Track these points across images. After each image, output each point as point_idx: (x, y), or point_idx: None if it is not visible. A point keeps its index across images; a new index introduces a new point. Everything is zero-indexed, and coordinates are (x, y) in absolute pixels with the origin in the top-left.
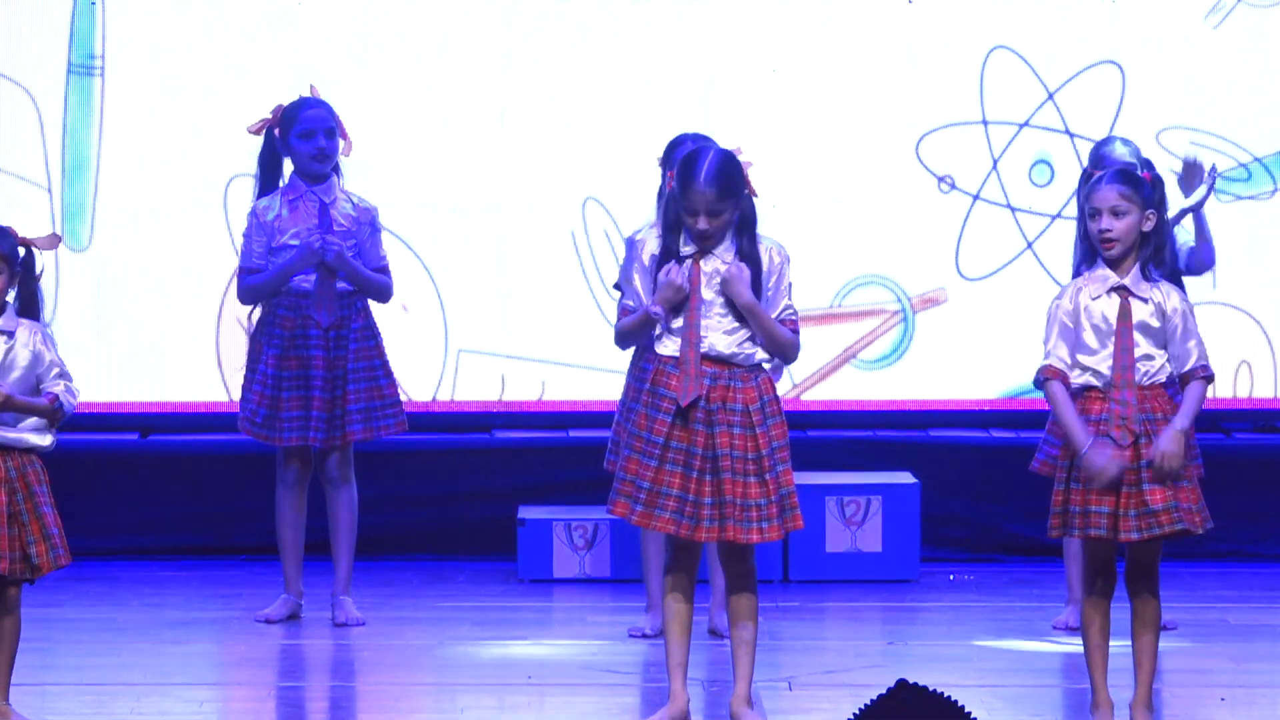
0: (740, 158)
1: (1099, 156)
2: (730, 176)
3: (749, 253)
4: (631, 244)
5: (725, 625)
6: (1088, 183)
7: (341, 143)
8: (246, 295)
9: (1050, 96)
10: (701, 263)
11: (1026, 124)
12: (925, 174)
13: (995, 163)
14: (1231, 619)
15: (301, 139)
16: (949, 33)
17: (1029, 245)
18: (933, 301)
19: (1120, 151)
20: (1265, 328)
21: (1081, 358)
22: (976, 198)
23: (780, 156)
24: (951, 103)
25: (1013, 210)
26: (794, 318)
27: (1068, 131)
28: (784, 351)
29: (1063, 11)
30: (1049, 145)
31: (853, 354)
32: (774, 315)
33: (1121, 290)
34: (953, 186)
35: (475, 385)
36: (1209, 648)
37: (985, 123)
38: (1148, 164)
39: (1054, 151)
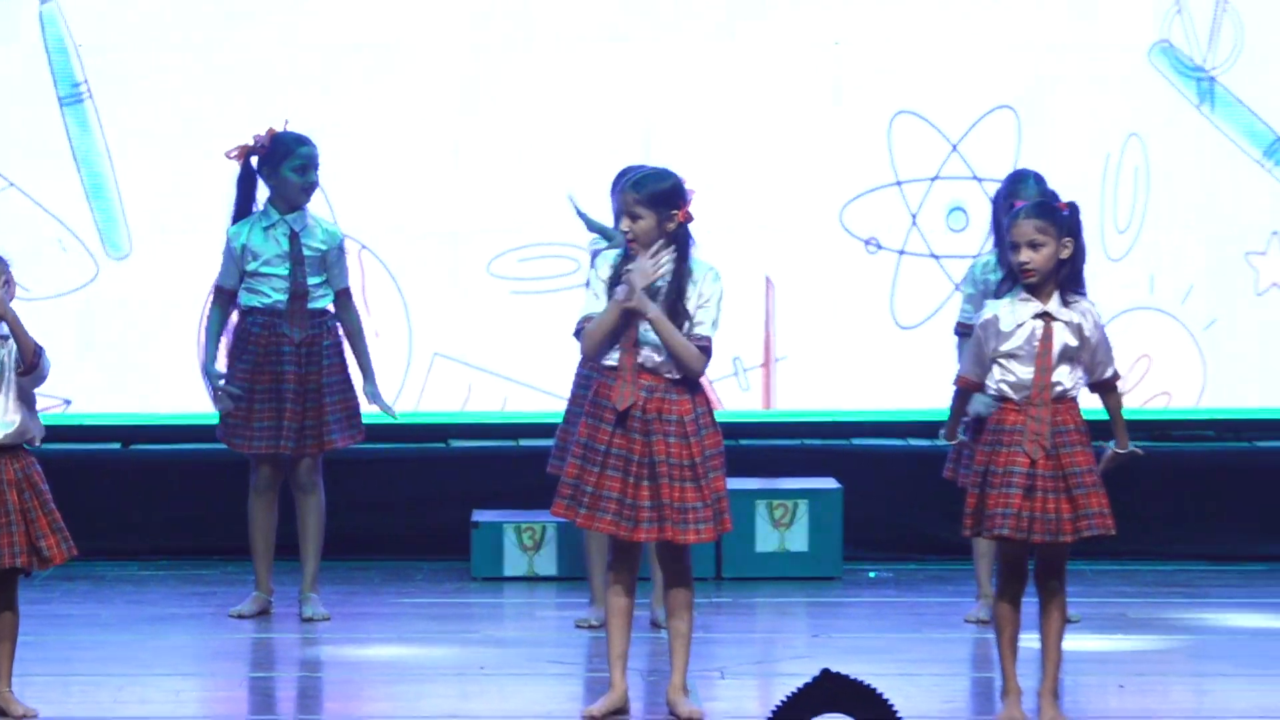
0: (686, 185)
1: (1011, 190)
2: (657, 187)
3: (679, 272)
4: (594, 254)
5: (664, 618)
6: (1008, 212)
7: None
8: (210, 316)
9: (954, 147)
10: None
11: (936, 177)
12: (851, 239)
13: (914, 217)
14: (1130, 613)
15: (297, 172)
16: (857, 100)
17: (957, 287)
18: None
19: (1028, 190)
20: (1198, 339)
21: (1003, 374)
22: (901, 253)
23: (719, 183)
24: (868, 167)
25: (936, 258)
26: (707, 337)
27: (975, 177)
28: (687, 366)
29: (959, 64)
30: (959, 193)
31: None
32: (699, 328)
33: (1045, 316)
34: (879, 246)
35: (436, 398)
36: (1109, 639)
37: (899, 183)
38: (1053, 195)
39: (964, 197)
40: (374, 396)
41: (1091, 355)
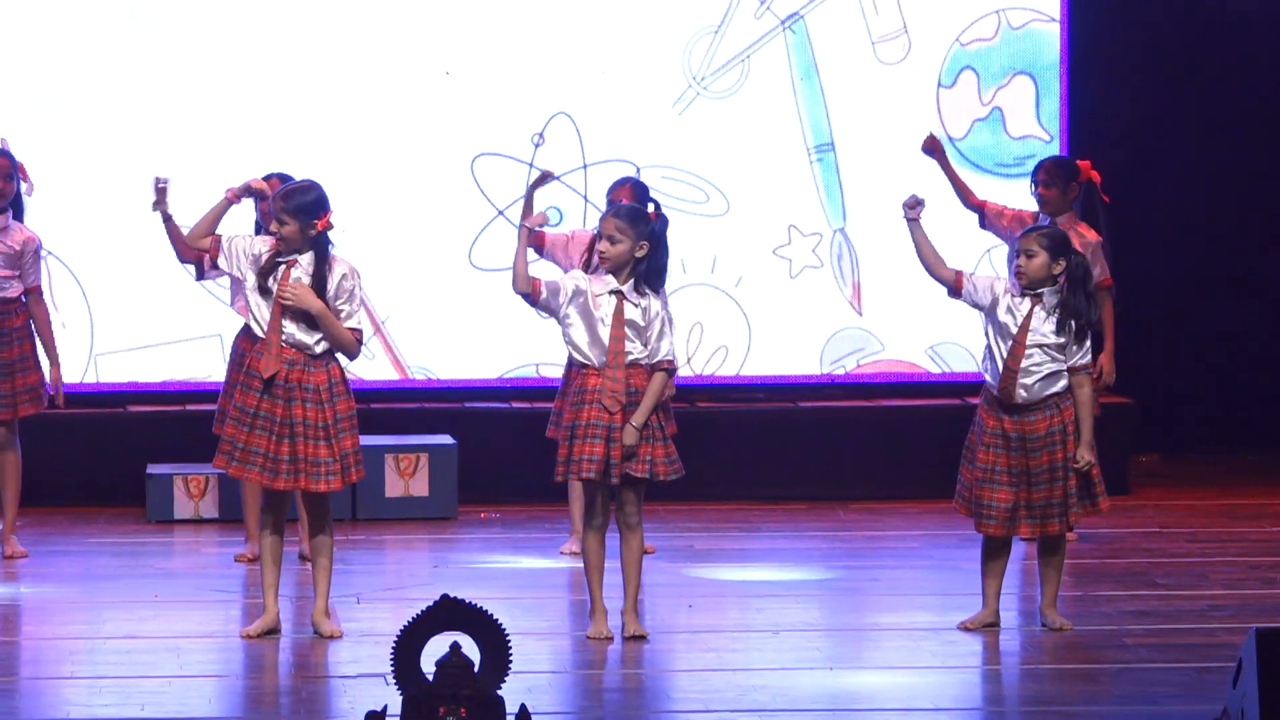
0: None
1: (611, 191)
2: (301, 199)
3: (316, 271)
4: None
5: (309, 553)
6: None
7: (24, 184)
8: None
9: (530, 164)
10: (291, 270)
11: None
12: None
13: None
14: (697, 545)
15: None
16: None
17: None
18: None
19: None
20: (747, 313)
21: (583, 344)
22: (501, 213)
23: (362, 193)
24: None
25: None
26: (359, 327)
27: (585, 196)
28: (346, 349)
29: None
30: (563, 201)
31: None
32: (349, 321)
33: (618, 294)
34: (500, 213)
35: (113, 370)
36: (680, 567)
37: (501, 212)
38: (655, 203)
39: (567, 205)
40: (54, 383)
41: (654, 338)
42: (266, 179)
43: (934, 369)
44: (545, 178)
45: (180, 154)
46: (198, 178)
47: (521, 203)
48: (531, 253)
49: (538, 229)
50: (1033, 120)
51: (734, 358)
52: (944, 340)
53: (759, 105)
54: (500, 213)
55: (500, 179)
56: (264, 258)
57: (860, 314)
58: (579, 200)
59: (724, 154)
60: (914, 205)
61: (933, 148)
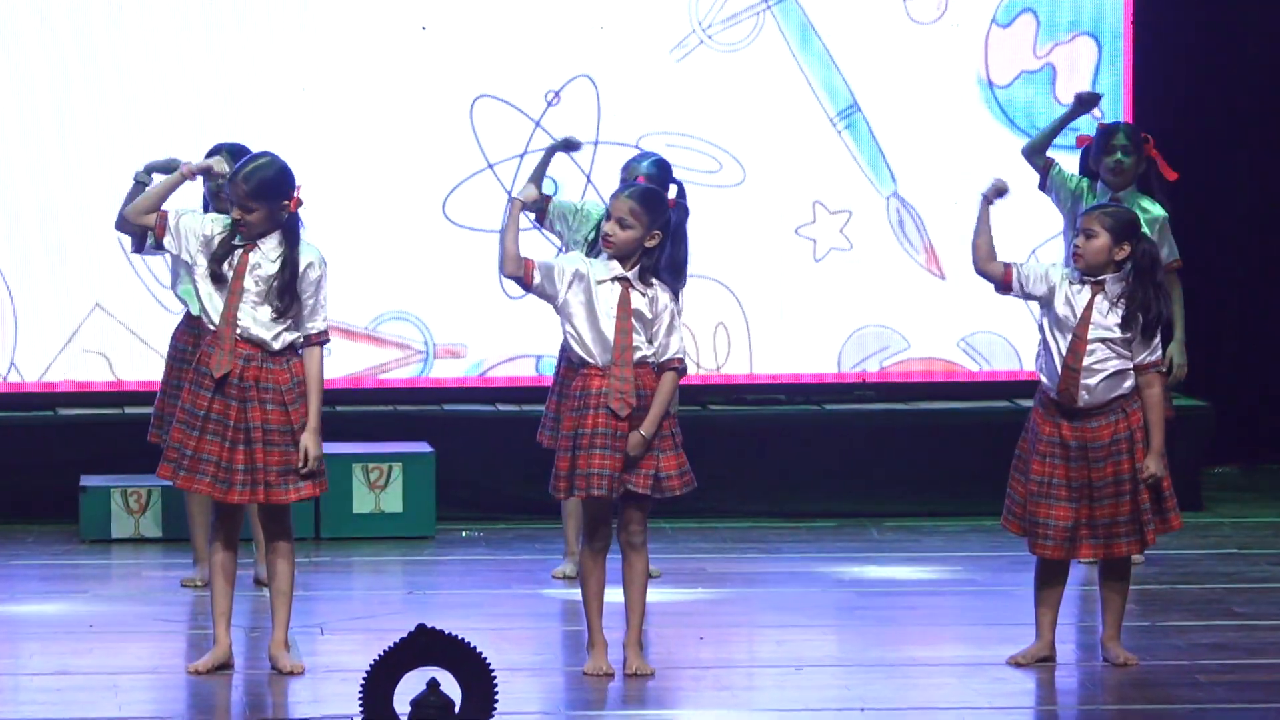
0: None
1: (627, 168)
2: (262, 181)
3: (287, 257)
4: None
5: (266, 576)
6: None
7: None
8: None
9: (537, 123)
10: (250, 255)
11: (525, 154)
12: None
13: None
14: (708, 568)
15: None
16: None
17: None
18: (453, 354)
19: (643, 170)
20: (740, 301)
21: (586, 337)
22: (490, 166)
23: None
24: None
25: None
26: (323, 329)
27: (588, 176)
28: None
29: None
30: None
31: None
32: (313, 320)
33: (624, 281)
34: (489, 166)
35: (42, 367)
36: (689, 593)
37: (491, 166)
38: (679, 185)
39: (567, 179)
40: None
41: (660, 333)
42: (213, 153)
43: (970, 366)
44: (571, 145)
45: (126, 120)
46: (145, 144)
47: (517, 164)
48: (527, 220)
49: (533, 203)
50: (1088, 89)
51: (746, 353)
52: (978, 330)
53: (772, 68)
54: (489, 166)
55: (498, 131)
56: (216, 240)
57: (943, 278)
58: (580, 177)
59: (737, 120)
60: (1000, 191)
61: (1093, 101)
